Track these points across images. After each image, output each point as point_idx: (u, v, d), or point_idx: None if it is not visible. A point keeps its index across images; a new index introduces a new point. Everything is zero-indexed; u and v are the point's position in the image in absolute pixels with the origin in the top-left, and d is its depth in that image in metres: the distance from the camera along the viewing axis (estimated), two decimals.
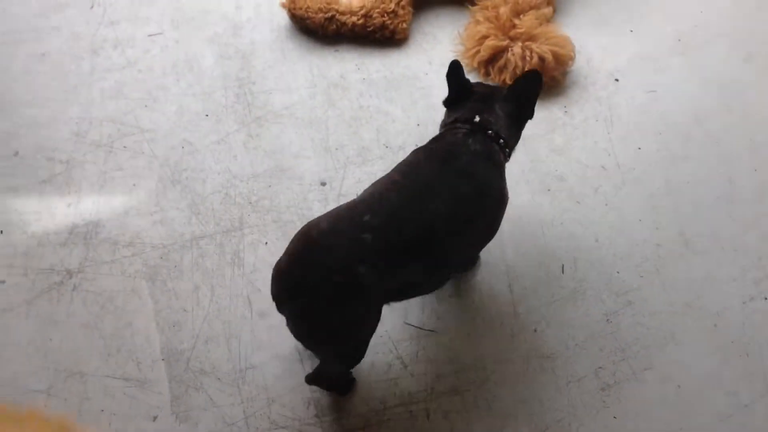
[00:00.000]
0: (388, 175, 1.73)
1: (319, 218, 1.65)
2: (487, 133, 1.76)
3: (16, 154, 2.29)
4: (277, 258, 2.07)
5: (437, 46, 2.60)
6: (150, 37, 2.59)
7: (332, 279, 1.54)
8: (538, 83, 1.79)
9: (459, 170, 1.71)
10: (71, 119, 2.38)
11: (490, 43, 2.48)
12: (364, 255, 1.56)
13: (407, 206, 1.63)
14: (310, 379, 1.81)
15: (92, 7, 2.66)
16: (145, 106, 2.42)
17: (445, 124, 1.84)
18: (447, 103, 1.87)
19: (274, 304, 1.64)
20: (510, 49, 2.47)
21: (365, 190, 1.71)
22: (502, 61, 2.47)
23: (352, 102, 2.45)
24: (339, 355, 1.73)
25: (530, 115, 1.85)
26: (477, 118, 1.77)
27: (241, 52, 2.56)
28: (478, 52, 2.51)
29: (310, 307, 1.57)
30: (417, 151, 1.79)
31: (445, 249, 1.68)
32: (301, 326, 1.63)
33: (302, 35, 2.62)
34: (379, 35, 2.59)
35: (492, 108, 1.79)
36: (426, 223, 1.63)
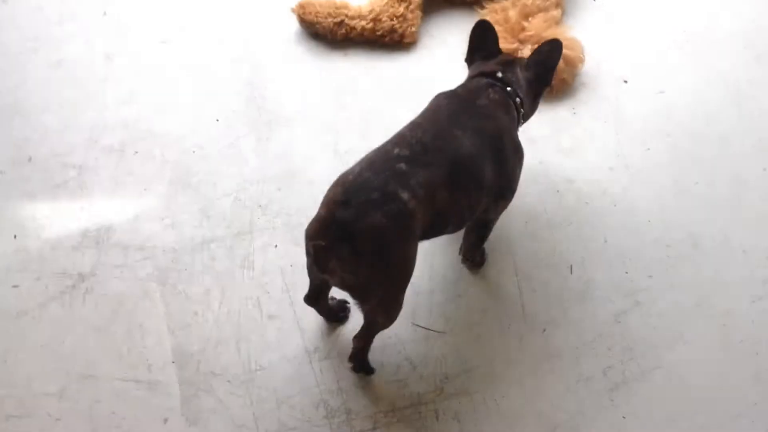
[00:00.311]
0: (412, 121, 1.84)
1: (350, 168, 1.71)
2: (507, 89, 1.90)
3: (30, 159, 2.32)
4: (287, 261, 2.11)
5: (446, 50, 2.61)
6: (162, 43, 2.62)
7: (382, 208, 1.59)
8: (559, 52, 1.94)
9: (479, 111, 1.85)
10: (84, 125, 2.40)
11: (500, 46, 2.48)
12: (403, 182, 1.63)
13: (434, 140, 1.74)
14: (358, 337, 1.88)
15: (105, 14, 2.69)
16: (157, 111, 2.44)
17: (470, 77, 1.98)
18: (467, 58, 2.03)
19: (313, 265, 1.68)
20: (520, 51, 2.48)
21: (391, 137, 1.79)
22: None
23: (361, 105, 2.46)
24: (389, 299, 1.75)
25: (548, 83, 1.99)
26: (500, 74, 1.91)
27: (251, 58, 2.58)
28: None
29: (366, 242, 1.59)
30: (439, 96, 1.93)
31: (471, 182, 1.78)
32: (357, 267, 1.63)
33: (312, 40, 2.64)
34: (389, 39, 2.61)
35: (514, 71, 1.94)
36: (453, 154, 1.74)
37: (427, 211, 1.68)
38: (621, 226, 2.21)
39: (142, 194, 2.26)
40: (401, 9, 2.59)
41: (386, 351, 1.99)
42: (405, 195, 1.62)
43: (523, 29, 2.52)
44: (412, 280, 2.04)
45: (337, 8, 2.59)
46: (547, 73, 1.97)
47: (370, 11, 2.60)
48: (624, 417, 1.91)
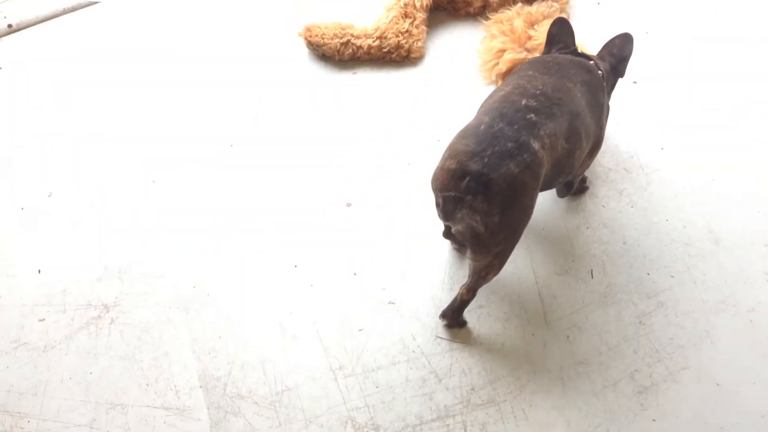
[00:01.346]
0: (519, 77, 1.89)
1: (475, 120, 1.78)
2: (588, 56, 1.99)
3: (50, 195, 2.35)
4: (307, 281, 2.11)
5: (453, 62, 2.62)
6: (164, 72, 2.65)
7: (516, 158, 1.65)
8: (631, 43, 2.05)
9: (580, 66, 1.92)
10: (103, 158, 2.44)
11: (509, 56, 2.49)
12: (534, 133, 1.69)
13: (554, 92, 1.80)
14: (469, 289, 1.94)
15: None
16: (168, 137, 2.47)
17: None
18: (545, 52, 2.10)
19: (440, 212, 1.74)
20: None
21: (508, 87, 1.83)
22: None
23: (371, 123, 2.48)
24: (506, 252, 1.81)
25: (622, 74, 2.08)
26: (579, 51, 2.03)
27: (259, 81, 2.60)
28: (496, 64, 2.52)
29: (501, 191, 1.64)
30: (535, 58, 2.04)
31: (582, 133, 1.83)
32: (489, 216, 1.66)
33: (320, 61, 2.66)
34: (396, 55, 2.62)
35: (590, 58, 2.02)
36: (570, 105, 1.80)
37: (550, 161, 1.74)
38: (639, 227, 2.20)
39: (161, 222, 2.28)
40: (406, 25, 2.61)
41: (411, 365, 1.99)
42: (536, 145, 1.68)
43: (530, 38, 2.52)
44: (434, 293, 2.07)
45: (342, 29, 2.62)
46: (620, 64, 2.05)
47: (376, 29, 2.62)
48: (654, 420, 1.89)
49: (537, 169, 1.69)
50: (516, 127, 1.69)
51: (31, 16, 2.85)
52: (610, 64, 2.04)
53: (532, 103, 1.74)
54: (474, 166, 1.64)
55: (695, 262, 2.13)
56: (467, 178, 1.65)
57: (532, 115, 1.71)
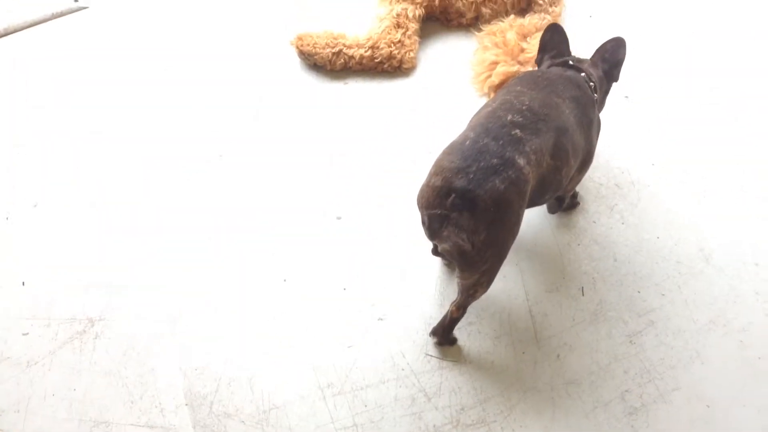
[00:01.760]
0: (508, 89, 1.87)
1: (460, 136, 1.75)
2: (581, 73, 1.96)
3: (36, 206, 2.32)
4: (297, 295, 2.08)
5: (445, 74, 2.61)
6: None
7: (502, 174, 1.63)
8: (624, 47, 2.02)
9: (570, 82, 1.90)
10: (90, 170, 2.41)
11: (501, 69, 2.48)
12: (519, 149, 1.66)
13: (541, 107, 1.78)
14: (460, 306, 1.92)
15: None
16: (158, 149, 2.45)
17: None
18: (537, 59, 2.10)
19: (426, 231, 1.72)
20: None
21: (496, 103, 1.81)
22: None
23: (362, 133, 2.46)
24: (494, 268, 1.77)
25: (616, 79, 2.06)
26: (570, 62, 1.99)
27: (251, 90, 2.58)
28: (489, 77, 2.51)
29: (487, 208, 1.62)
30: (525, 73, 1.99)
31: (569, 149, 1.80)
32: (475, 233, 1.64)
33: (311, 70, 2.64)
34: (388, 65, 2.61)
35: (583, 65, 2.00)
36: (557, 121, 1.78)
37: (536, 177, 1.72)
38: (630, 243, 2.18)
39: (150, 234, 2.25)
40: (398, 35, 2.60)
41: (400, 383, 1.97)
42: (521, 161, 1.66)
43: (523, 50, 2.51)
44: (424, 309, 2.05)
45: (334, 38, 2.60)
46: (613, 69, 2.04)
47: (368, 39, 2.60)
48: None
49: (523, 186, 1.67)
50: (501, 142, 1.67)
51: (19, 21, 2.81)
52: (603, 69, 2.03)
53: (518, 118, 1.73)
54: (459, 182, 1.62)
55: (686, 280, 2.12)
56: (453, 195, 1.63)
57: (518, 131, 1.69)
